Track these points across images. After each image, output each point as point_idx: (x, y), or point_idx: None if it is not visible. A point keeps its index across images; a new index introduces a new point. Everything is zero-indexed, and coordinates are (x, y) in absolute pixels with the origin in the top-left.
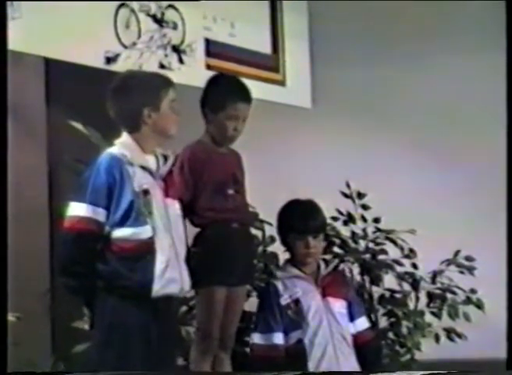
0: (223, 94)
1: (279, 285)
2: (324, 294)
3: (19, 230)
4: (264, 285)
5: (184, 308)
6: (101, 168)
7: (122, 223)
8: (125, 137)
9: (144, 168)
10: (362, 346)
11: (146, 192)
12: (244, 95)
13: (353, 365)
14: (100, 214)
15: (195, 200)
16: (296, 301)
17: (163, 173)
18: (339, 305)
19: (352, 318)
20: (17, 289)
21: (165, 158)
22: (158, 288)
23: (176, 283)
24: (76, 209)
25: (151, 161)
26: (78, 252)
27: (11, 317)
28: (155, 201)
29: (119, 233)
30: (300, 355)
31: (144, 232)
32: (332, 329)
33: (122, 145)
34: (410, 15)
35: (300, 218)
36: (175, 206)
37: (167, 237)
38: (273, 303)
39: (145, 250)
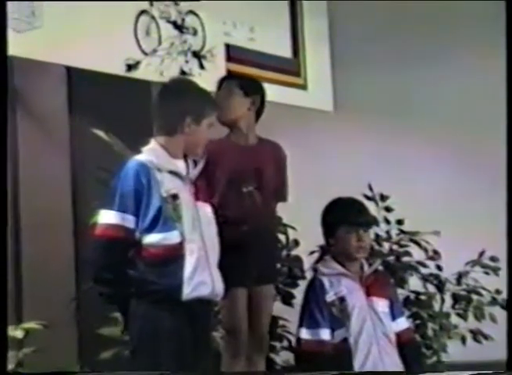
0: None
1: (326, 281)
2: (368, 294)
3: (44, 239)
4: (311, 280)
5: None
6: (128, 175)
7: (151, 228)
8: (152, 144)
9: (172, 172)
10: (404, 345)
11: (175, 197)
12: (225, 79)
13: (396, 363)
14: (129, 221)
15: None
16: (341, 299)
17: (193, 177)
18: (382, 305)
19: (393, 317)
20: (43, 297)
21: (195, 162)
22: (188, 292)
23: (207, 286)
24: (106, 217)
25: (180, 165)
26: (109, 260)
27: (37, 325)
28: (185, 205)
29: (149, 239)
30: (345, 355)
31: (172, 237)
32: (375, 328)
33: (149, 152)
34: (433, 15)
35: (353, 210)
36: (206, 209)
37: (197, 241)
38: (320, 299)
39: (174, 254)
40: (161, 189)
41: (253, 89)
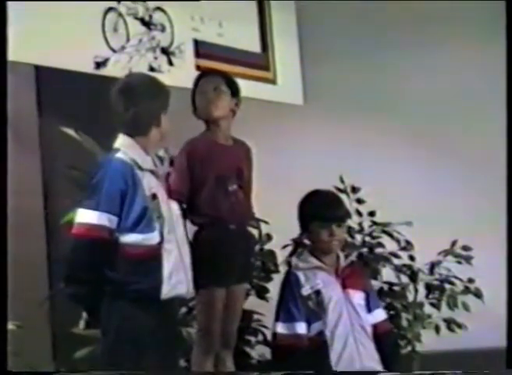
0: (195, 80)
1: (301, 275)
2: (344, 286)
3: (16, 239)
4: (286, 275)
5: (184, 309)
6: (114, 174)
7: (132, 228)
8: (127, 141)
9: (150, 171)
10: (381, 336)
11: (154, 196)
12: (208, 73)
13: (373, 355)
14: (112, 221)
15: (194, 197)
16: (318, 293)
17: (164, 175)
18: (358, 297)
19: (370, 309)
20: (16, 297)
21: (160, 158)
22: (166, 291)
23: (183, 285)
24: (88, 216)
25: (150, 162)
26: (90, 260)
27: (11, 326)
28: (162, 205)
29: (129, 238)
30: (322, 347)
31: (152, 238)
32: (352, 320)
33: (128, 149)
34: (400, 9)
35: (324, 206)
36: (175, 207)
37: (172, 240)
38: (295, 293)
39: (154, 254)
40: (144, 188)
41: (237, 89)
